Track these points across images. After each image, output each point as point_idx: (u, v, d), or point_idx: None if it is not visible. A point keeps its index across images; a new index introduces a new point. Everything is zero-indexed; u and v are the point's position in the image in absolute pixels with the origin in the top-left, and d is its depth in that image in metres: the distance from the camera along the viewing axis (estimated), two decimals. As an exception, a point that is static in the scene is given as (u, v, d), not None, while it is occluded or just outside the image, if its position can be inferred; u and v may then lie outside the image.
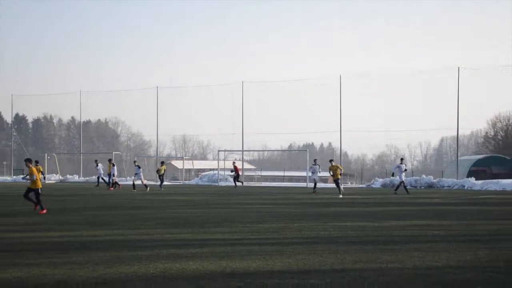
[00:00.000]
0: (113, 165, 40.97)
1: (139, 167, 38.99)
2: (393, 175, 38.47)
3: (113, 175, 40.63)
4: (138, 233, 13.16)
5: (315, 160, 38.66)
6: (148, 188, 36.93)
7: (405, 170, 35.02)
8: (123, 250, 10.30)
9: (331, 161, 33.48)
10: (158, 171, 41.89)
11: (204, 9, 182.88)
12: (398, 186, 34.39)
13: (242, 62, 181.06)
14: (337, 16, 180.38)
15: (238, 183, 45.37)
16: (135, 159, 45.05)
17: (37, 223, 15.50)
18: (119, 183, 42.86)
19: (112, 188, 39.52)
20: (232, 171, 46.22)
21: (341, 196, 30.01)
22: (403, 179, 34.44)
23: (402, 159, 36.05)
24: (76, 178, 61.56)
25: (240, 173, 46.63)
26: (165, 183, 40.58)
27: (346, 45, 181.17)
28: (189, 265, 8.72)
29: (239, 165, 68.43)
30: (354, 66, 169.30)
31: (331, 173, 32.71)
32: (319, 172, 39.62)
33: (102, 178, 44.32)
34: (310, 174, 39.27)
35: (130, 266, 8.69)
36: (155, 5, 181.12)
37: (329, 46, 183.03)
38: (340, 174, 32.41)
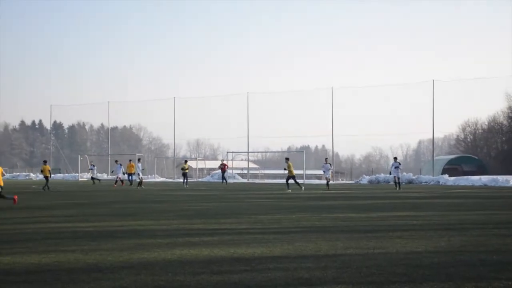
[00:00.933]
0: (120, 165, 39.73)
1: (94, 166, 37.94)
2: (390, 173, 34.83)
3: (120, 173, 39.45)
4: (158, 223, 13.14)
5: (326, 159, 34.85)
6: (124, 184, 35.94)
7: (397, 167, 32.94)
8: (145, 238, 10.28)
9: (287, 159, 30.71)
10: (183, 168, 38.61)
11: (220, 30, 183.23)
12: (398, 183, 32.58)
13: (247, 75, 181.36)
14: (329, 36, 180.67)
15: (224, 180, 42.32)
16: (139, 158, 41.78)
17: (72, 215, 15.49)
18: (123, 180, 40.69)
19: (118, 185, 38.23)
20: (219, 168, 43.75)
21: (289, 191, 28.38)
22: (399, 175, 33.06)
23: (395, 158, 34.64)
24: (104, 176, 61.59)
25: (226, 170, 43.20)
26: (181, 180, 39.60)
27: (337, 61, 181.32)
28: (202, 251, 8.70)
29: (244, 164, 68.28)
30: (344, 79, 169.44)
31: (286, 170, 30.30)
32: (331, 169, 35.79)
33: (93, 178, 43.65)
34: (322, 172, 34.94)
35: (151, 252, 8.67)
36: (169, 25, 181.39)
37: (322, 61, 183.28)
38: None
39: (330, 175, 33.80)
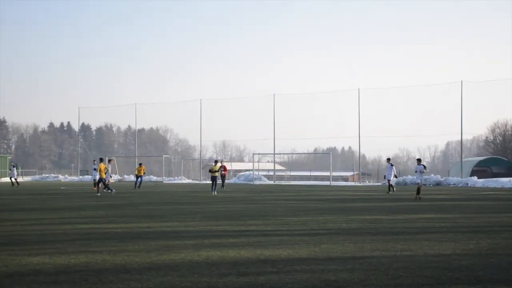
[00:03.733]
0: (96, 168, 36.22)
1: (14, 167, 35.68)
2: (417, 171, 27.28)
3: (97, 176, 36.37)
4: (184, 225, 13.22)
5: (419, 160, 26.94)
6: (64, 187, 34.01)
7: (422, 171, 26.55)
8: (171, 240, 10.36)
9: (100, 159, 27.57)
10: (214, 171, 31.12)
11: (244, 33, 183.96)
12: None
13: (273, 77, 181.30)
14: (355, 36, 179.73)
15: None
16: (110, 159, 38.59)
17: (100, 216, 15.67)
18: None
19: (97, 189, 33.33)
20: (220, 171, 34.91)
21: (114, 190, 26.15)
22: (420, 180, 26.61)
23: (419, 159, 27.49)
24: (132, 177, 62.07)
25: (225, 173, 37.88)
26: (207, 182, 38.22)
27: (363, 61, 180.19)
28: (228, 253, 8.73)
29: (270, 166, 68.08)
30: (371, 80, 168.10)
31: (97, 172, 27.53)
32: (426, 172, 26.78)
33: (11, 179, 42.66)
34: (415, 172, 27.10)
35: (178, 253, 8.73)
36: (194, 27, 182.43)
37: (349, 63, 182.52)
38: (106, 173, 27.46)
39: (422, 180, 26.36)
